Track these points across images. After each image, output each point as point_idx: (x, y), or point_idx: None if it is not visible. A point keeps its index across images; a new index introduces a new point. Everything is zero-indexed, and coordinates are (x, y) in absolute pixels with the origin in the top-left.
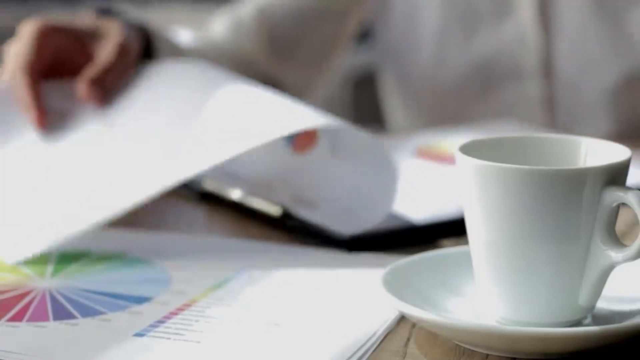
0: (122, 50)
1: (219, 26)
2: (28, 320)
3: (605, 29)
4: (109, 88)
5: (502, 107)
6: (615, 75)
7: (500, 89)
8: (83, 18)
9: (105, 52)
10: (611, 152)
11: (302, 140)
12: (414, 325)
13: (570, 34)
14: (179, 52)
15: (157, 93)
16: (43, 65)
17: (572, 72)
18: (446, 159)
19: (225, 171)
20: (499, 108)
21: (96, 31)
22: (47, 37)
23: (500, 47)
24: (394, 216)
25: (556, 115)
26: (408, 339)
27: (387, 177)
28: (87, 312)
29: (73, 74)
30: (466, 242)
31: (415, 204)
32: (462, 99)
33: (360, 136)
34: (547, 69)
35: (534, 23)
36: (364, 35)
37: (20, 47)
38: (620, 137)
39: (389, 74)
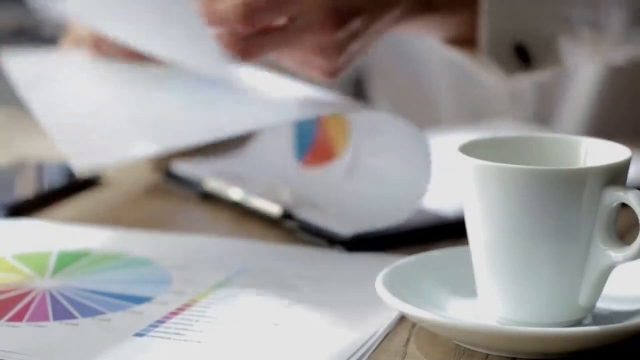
0: None
1: None
2: (28, 320)
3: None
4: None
5: (478, 102)
6: (591, 67)
7: (475, 85)
8: None
9: None
10: (611, 152)
11: (314, 156)
12: (414, 325)
13: None
14: None
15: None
16: None
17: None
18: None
19: (230, 171)
20: (475, 104)
21: None
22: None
23: None
24: None
25: (532, 108)
26: (408, 339)
27: (419, 186)
28: (87, 312)
29: None
30: (466, 242)
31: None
32: (439, 98)
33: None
34: None
35: None
36: None
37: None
38: (597, 127)
39: (373, 79)
